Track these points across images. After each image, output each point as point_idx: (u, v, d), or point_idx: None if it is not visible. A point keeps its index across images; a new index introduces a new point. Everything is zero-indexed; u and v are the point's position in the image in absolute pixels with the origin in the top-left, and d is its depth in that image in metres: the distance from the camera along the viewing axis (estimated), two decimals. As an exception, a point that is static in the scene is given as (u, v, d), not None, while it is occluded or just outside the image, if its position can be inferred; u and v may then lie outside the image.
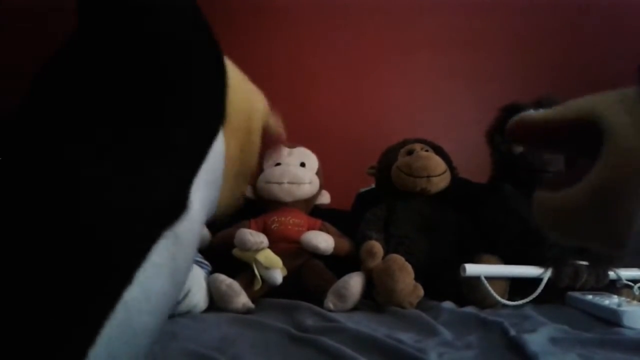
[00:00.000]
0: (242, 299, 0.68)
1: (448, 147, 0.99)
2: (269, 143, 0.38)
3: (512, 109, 0.87)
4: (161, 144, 0.24)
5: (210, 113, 0.29)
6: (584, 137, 0.21)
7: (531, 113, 0.24)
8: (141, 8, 0.25)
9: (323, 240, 0.80)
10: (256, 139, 0.34)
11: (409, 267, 0.71)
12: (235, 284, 0.69)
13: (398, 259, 0.71)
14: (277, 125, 0.40)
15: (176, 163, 0.25)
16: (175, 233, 0.23)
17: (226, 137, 0.30)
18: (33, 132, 0.23)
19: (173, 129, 0.25)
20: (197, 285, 0.68)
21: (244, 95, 0.33)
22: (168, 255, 0.23)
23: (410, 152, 0.93)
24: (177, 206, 0.24)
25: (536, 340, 0.52)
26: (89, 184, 0.21)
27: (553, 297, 0.72)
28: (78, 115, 0.23)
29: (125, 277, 0.21)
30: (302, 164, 0.94)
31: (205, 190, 0.27)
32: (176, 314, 0.65)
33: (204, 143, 0.27)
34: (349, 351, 0.47)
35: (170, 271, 0.24)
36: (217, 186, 0.30)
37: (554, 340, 0.54)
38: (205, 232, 0.89)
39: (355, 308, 0.70)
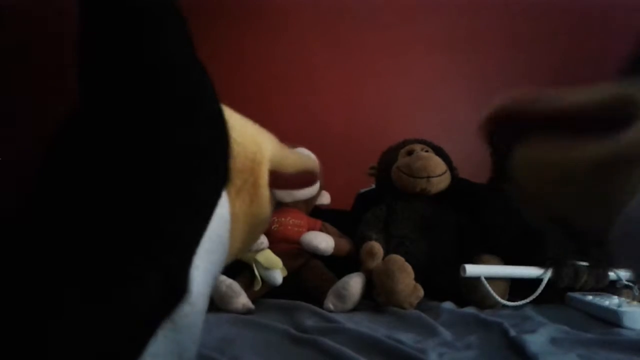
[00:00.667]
0: (242, 300, 0.68)
1: (448, 147, 0.99)
2: (290, 183, 0.34)
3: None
4: (154, 234, 0.22)
5: (211, 179, 0.26)
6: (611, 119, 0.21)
7: (560, 96, 0.24)
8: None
9: (323, 241, 0.80)
10: (264, 191, 0.32)
11: (409, 267, 0.70)
12: (235, 285, 0.69)
13: (398, 259, 0.71)
14: (299, 162, 0.35)
15: (171, 249, 0.23)
16: (174, 321, 0.22)
17: (230, 198, 0.28)
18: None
19: (170, 213, 0.23)
20: (197, 286, 0.68)
21: (246, 145, 0.30)
22: (166, 343, 0.22)
23: (410, 153, 0.93)
24: (174, 296, 0.23)
25: (536, 340, 0.52)
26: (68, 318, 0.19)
27: (553, 297, 0.72)
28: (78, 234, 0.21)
29: None
30: (302, 164, 0.94)
31: (208, 259, 0.25)
32: (176, 315, 0.65)
33: (203, 217, 0.25)
34: (349, 352, 0.47)
35: (175, 355, 0.23)
36: (224, 248, 0.28)
37: (554, 341, 0.54)
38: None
39: (355, 308, 0.70)
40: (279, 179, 0.33)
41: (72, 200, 0.21)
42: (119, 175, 0.22)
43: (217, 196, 0.26)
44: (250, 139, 0.31)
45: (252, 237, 0.34)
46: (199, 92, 0.26)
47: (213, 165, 0.26)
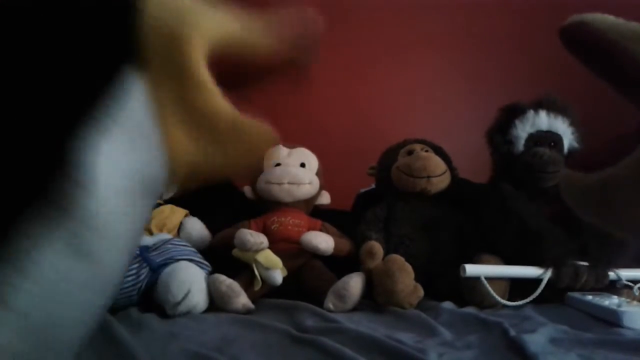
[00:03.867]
0: (242, 300, 0.68)
1: (448, 147, 0.99)
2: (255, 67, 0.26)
3: (512, 109, 0.87)
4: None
5: (101, 46, 0.21)
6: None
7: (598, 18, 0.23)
8: None
9: (323, 241, 0.80)
10: (198, 73, 0.24)
11: (409, 267, 0.71)
12: (235, 285, 0.69)
13: (398, 259, 0.71)
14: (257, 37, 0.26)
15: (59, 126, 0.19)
16: (72, 216, 0.19)
17: (150, 79, 0.22)
18: None
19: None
20: (197, 286, 0.68)
21: (164, 18, 0.23)
22: (64, 235, 0.19)
23: (410, 153, 0.93)
24: (67, 182, 0.19)
25: (536, 340, 0.52)
26: None
27: (553, 297, 0.72)
28: None
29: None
30: (302, 165, 0.94)
31: (123, 150, 0.21)
32: (176, 315, 0.65)
33: (85, 84, 0.21)
34: (349, 351, 0.47)
35: (73, 249, 0.19)
36: (149, 140, 0.23)
37: (554, 341, 0.54)
38: (205, 232, 0.89)
39: (355, 308, 0.70)
40: (236, 53, 0.26)
41: None
42: None
43: (116, 72, 0.21)
44: (172, 12, 0.24)
45: (192, 137, 0.25)
46: None
47: (103, 31, 0.21)
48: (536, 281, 0.71)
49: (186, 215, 0.90)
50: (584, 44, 0.23)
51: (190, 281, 0.67)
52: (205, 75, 0.24)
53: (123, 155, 0.21)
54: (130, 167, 0.22)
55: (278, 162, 0.93)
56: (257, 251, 0.74)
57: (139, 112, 0.22)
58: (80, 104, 0.20)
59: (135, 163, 0.22)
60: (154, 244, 0.76)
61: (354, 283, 0.70)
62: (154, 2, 0.23)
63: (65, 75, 0.20)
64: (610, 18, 0.21)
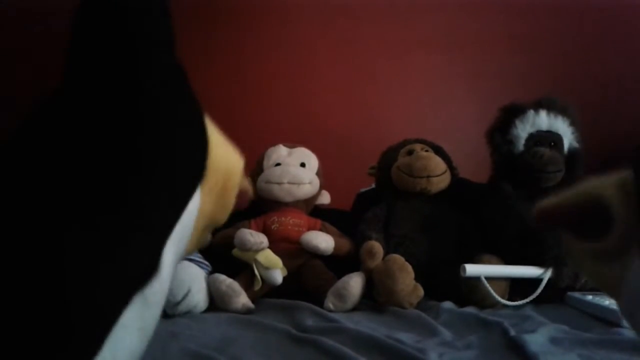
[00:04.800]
0: (242, 299, 0.68)
1: (448, 147, 0.99)
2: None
3: (512, 109, 0.87)
4: (137, 213, 0.24)
5: (190, 174, 0.29)
6: (591, 216, 0.26)
7: (546, 200, 0.28)
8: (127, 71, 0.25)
9: (323, 241, 0.81)
10: (231, 198, 0.34)
11: (409, 267, 0.71)
12: (235, 284, 0.69)
13: (398, 259, 0.71)
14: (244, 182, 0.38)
15: (151, 229, 0.25)
16: (145, 295, 0.24)
17: (202, 195, 0.30)
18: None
19: (152, 195, 0.25)
20: (197, 286, 0.68)
21: (223, 154, 0.33)
22: (136, 316, 0.24)
23: (410, 152, 0.93)
24: (149, 271, 0.24)
25: (536, 340, 0.52)
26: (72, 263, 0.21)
27: (553, 297, 0.72)
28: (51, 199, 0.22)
29: (95, 344, 0.21)
30: (302, 164, 0.94)
31: (175, 247, 0.27)
32: (176, 315, 0.65)
33: (180, 205, 0.27)
34: (349, 351, 0.47)
35: (139, 330, 0.24)
36: (187, 240, 0.30)
37: (554, 341, 0.54)
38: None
39: (355, 308, 0.71)
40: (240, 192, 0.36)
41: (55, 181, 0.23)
42: (108, 156, 0.23)
43: (194, 188, 0.29)
44: (227, 145, 0.34)
45: (203, 236, 0.35)
46: (181, 89, 0.29)
47: (193, 158, 0.29)
48: (536, 281, 0.71)
49: (186, 215, 0.90)
50: (552, 222, 0.29)
51: (190, 281, 0.67)
52: (232, 201, 0.35)
53: (175, 251, 0.28)
54: (175, 260, 0.28)
55: (278, 161, 0.93)
56: (257, 251, 0.74)
57: (190, 219, 0.29)
58: (177, 217, 0.27)
59: (177, 256, 0.29)
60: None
61: (354, 283, 0.71)
62: (214, 140, 0.31)
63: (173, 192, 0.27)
64: (557, 195, 0.28)
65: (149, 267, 0.25)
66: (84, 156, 0.23)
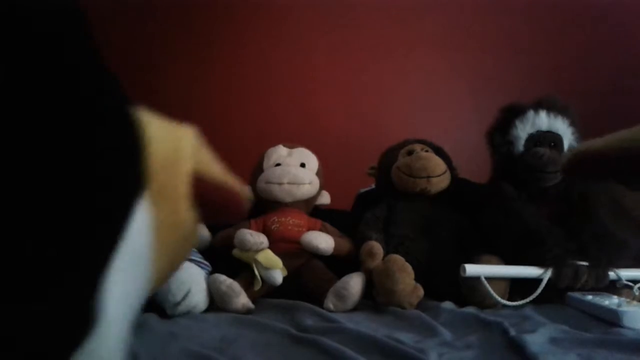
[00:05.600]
0: (242, 300, 0.68)
1: (448, 147, 0.99)
2: (211, 195, 0.28)
3: (512, 109, 0.87)
4: (50, 255, 0.18)
5: (121, 188, 0.22)
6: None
7: (585, 145, 0.25)
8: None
9: (323, 241, 0.81)
10: (186, 193, 0.26)
11: (409, 267, 0.71)
12: (235, 285, 0.69)
13: (398, 259, 0.71)
14: (219, 174, 0.29)
15: (75, 267, 0.19)
16: (89, 354, 0.19)
17: (147, 205, 0.23)
18: None
19: (69, 229, 0.19)
20: (197, 286, 0.68)
21: (161, 141, 0.25)
22: None
23: (410, 153, 0.93)
24: (81, 327, 0.19)
25: (536, 340, 0.52)
26: None
27: (553, 297, 0.72)
28: None
29: None
30: (302, 165, 0.94)
31: (125, 279, 0.22)
32: (176, 315, 0.65)
33: (112, 234, 0.21)
34: (349, 351, 0.47)
35: None
36: (144, 266, 0.24)
37: (554, 341, 0.54)
38: (205, 232, 0.89)
39: (355, 308, 0.70)
40: (201, 186, 0.27)
41: None
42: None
43: (128, 206, 0.22)
44: (166, 134, 0.26)
45: (178, 256, 0.28)
46: (95, 90, 0.22)
47: (119, 169, 0.22)
48: (536, 281, 0.71)
49: (186, 215, 0.90)
50: (591, 169, 0.26)
51: (190, 281, 0.67)
52: (187, 196, 0.26)
53: (124, 285, 0.22)
54: (130, 294, 0.23)
55: (278, 162, 0.93)
56: (257, 251, 0.74)
57: (139, 239, 0.23)
58: (107, 242, 0.21)
59: (132, 288, 0.23)
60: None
61: (354, 283, 0.71)
62: (152, 132, 0.24)
63: (88, 215, 0.20)
64: (596, 140, 0.26)
65: (81, 323, 0.19)
66: None
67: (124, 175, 0.22)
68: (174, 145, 0.26)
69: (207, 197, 0.28)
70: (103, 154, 0.21)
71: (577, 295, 0.70)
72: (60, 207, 0.19)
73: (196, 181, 0.27)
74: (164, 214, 0.25)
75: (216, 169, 0.29)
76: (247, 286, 0.72)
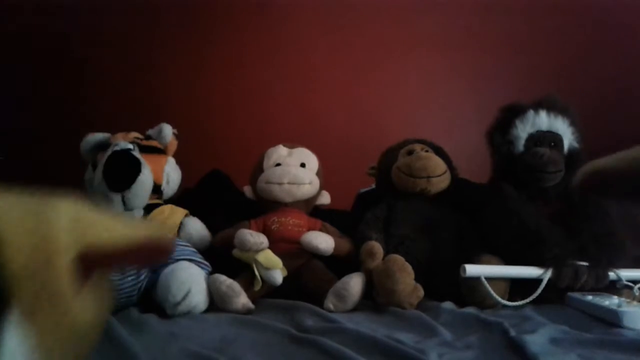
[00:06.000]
0: (242, 300, 0.68)
1: (448, 147, 0.99)
2: (115, 261, 0.24)
3: (512, 109, 0.87)
4: None
5: None
6: None
7: (597, 162, 0.26)
8: None
9: (323, 241, 0.80)
10: (70, 289, 0.21)
11: (409, 267, 0.70)
12: (235, 285, 0.69)
13: (398, 259, 0.71)
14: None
15: None
16: None
17: (25, 316, 0.20)
18: None
19: None
20: (197, 286, 0.68)
21: (23, 237, 0.20)
22: None
23: (410, 153, 0.93)
24: None
25: (536, 340, 0.52)
26: None
27: (553, 297, 0.72)
28: None
29: None
30: (302, 165, 0.94)
31: None
32: (176, 315, 0.65)
33: None
34: (349, 351, 0.47)
35: None
36: None
37: (554, 341, 0.54)
38: (205, 232, 0.89)
39: (355, 308, 0.70)
40: (103, 257, 0.23)
41: None
42: None
43: None
44: (28, 224, 0.21)
45: (79, 353, 0.24)
46: None
47: None
48: (536, 281, 0.71)
49: (186, 215, 0.90)
50: (605, 187, 0.26)
51: (190, 281, 0.67)
52: (73, 289, 0.22)
53: None
54: None
55: (278, 162, 0.93)
56: (257, 251, 0.74)
57: (18, 354, 0.19)
58: None
59: None
60: (154, 244, 0.75)
61: (354, 283, 0.70)
62: (6, 238, 0.20)
63: None
64: (609, 158, 0.24)
65: None
66: None
67: None
68: (40, 237, 0.21)
69: (119, 262, 0.25)
70: None
71: (577, 295, 0.70)
72: None
73: (94, 256, 0.23)
74: (50, 319, 0.21)
75: (115, 230, 0.25)
76: (247, 286, 0.72)
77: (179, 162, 0.98)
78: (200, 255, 0.78)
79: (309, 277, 0.78)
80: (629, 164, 0.24)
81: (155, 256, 0.27)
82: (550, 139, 0.83)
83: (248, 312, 0.68)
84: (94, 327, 0.25)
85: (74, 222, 0.22)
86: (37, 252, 0.21)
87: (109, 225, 0.25)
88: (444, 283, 0.76)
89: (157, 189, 0.90)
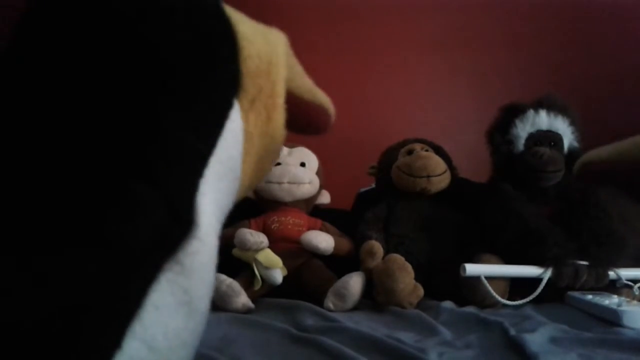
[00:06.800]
0: (242, 299, 0.68)
1: (448, 147, 0.99)
2: (303, 112, 0.26)
3: (512, 109, 0.87)
4: (149, 150, 0.17)
5: (218, 82, 0.20)
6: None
7: (597, 152, 0.26)
8: None
9: (323, 240, 0.80)
10: (282, 100, 0.25)
11: (409, 267, 0.70)
12: (235, 284, 0.69)
13: (398, 258, 0.71)
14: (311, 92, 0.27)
15: (171, 170, 0.17)
16: (180, 261, 0.17)
17: (243, 110, 0.22)
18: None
19: (169, 123, 0.18)
20: (197, 285, 0.68)
21: (258, 43, 0.23)
22: (172, 291, 0.17)
23: (410, 152, 0.93)
24: (177, 227, 0.17)
25: (536, 340, 0.52)
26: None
27: (553, 297, 0.72)
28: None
29: (109, 343, 0.16)
30: (302, 164, 0.94)
31: (217, 187, 0.20)
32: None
33: (211, 130, 0.19)
34: (349, 351, 0.47)
35: (181, 306, 0.18)
36: (235, 175, 0.22)
37: (554, 340, 0.54)
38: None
39: (355, 308, 0.70)
40: (293, 100, 0.26)
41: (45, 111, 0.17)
42: (97, 80, 0.17)
43: (227, 105, 0.20)
44: (262, 37, 0.24)
45: (264, 167, 0.27)
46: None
47: (218, 64, 0.20)
48: (536, 280, 0.71)
49: (186, 215, 0.90)
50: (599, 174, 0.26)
51: (190, 281, 0.67)
52: (283, 105, 0.25)
53: (217, 193, 0.20)
54: (221, 206, 0.21)
55: (278, 161, 0.93)
56: (257, 250, 0.74)
57: (232, 146, 0.21)
58: (209, 147, 0.19)
59: (224, 199, 0.21)
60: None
61: (354, 282, 0.70)
62: (247, 37, 0.23)
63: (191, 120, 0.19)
64: (603, 149, 0.25)
65: (179, 224, 0.17)
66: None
67: (225, 70, 0.20)
68: (270, 50, 0.24)
69: (294, 112, 0.26)
70: (207, 46, 0.19)
71: (577, 294, 0.70)
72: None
73: (287, 95, 0.25)
74: (260, 123, 0.23)
75: (306, 83, 0.28)
76: (247, 286, 0.72)
77: (179, 161, 0.98)
78: (200, 255, 0.78)
79: (309, 277, 0.78)
80: (620, 154, 0.24)
81: (322, 121, 0.29)
82: (550, 138, 0.83)
83: (248, 311, 0.68)
84: (279, 149, 0.28)
85: (286, 55, 0.26)
86: (267, 60, 0.24)
87: (302, 75, 0.28)
88: (444, 282, 0.76)
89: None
